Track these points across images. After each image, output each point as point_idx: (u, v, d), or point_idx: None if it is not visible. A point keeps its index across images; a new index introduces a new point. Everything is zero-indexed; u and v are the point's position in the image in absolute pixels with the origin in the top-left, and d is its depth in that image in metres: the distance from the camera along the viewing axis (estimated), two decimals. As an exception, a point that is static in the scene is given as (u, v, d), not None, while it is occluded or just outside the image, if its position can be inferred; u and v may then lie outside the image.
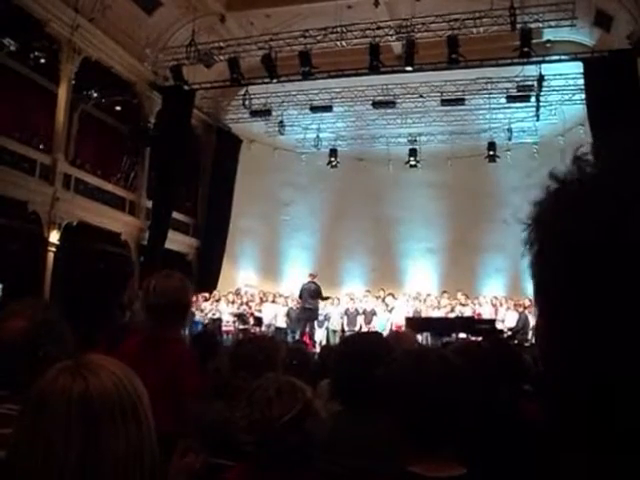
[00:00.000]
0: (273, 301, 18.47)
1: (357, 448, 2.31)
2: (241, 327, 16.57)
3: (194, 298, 17.61)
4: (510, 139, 21.24)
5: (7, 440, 1.73)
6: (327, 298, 16.85)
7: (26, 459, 1.17)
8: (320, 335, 17.66)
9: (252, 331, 15.64)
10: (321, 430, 2.08)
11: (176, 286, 3.23)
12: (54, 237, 15.48)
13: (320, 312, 17.35)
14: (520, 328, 15.76)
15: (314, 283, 16.31)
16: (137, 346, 3.17)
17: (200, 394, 3.05)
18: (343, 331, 17.24)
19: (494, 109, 20.51)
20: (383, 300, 18.09)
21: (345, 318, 17.90)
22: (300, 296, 16.57)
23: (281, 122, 21.72)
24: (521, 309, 16.40)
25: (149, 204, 18.98)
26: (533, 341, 14.95)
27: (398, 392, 1.82)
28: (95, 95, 19.10)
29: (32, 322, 2.07)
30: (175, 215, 19.66)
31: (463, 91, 19.18)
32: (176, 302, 3.20)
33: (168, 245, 18.82)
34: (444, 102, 19.42)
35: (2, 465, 1.26)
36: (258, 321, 17.22)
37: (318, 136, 22.80)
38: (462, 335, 13.47)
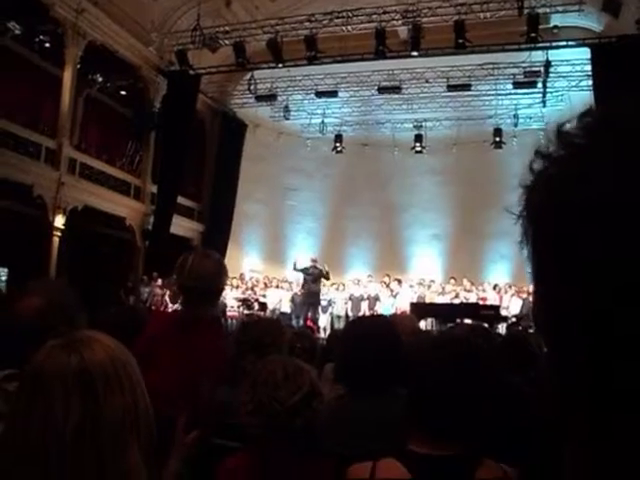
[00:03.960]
0: (277, 286, 18.50)
1: (361, 430, 2.33)
2: (246, 312, 16.62)
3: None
4: (516, 125, 21.17)
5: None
6: (328, 277, 16.75)
7: (23, 431, 1.21)
8: (324, 320, 17.71)
9: (257, 315, 15.68)
10: (325, 412, 2.08)
11: (212, 270, 3.13)
12: (59, 221, 15.51)
13: (324, 297, 17.40)
14: (524, 314, 15.76)
15: (316, 267, 16.36)
16: (167, 327, 3.11)
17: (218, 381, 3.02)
18: (347, 316, 17.29)
19: (500, 95, 20.41)
20: (388, 286, 18.12)
21: (349, 303, 17.95)
22: (305, 280, 16.62)
23: (286, 107, 21.65)
24: (525, 295, 16.40)
25: (154, 189, 19.00)
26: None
27: (416, 372, 1.84)
28: (100, 79, 19.06)
29: (47, 302, 2.09)
30: (180, 200, 19.68)
31: (469, 77, 19.05)
32: (210, 286, 3.12)
33: (173, 230, 18.84)
34: (450, 88, 19.31)
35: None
36: (263, 306, 17.27)
37: (323, 121, 22.73)
38: (467, 321, 13.48)
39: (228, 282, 17.93)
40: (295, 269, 16.82)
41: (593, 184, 0.48)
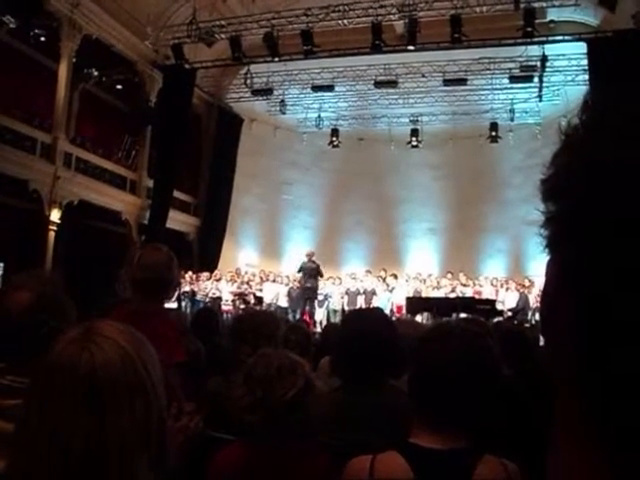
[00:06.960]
0: (274, 281, 18.48)
1: (357, 423, 2.33)
2: (242, 306, 16.60)
3: (192, 277, 17.66)
4: (512, 120, 21.19)
5: (8, 411, 1.75)
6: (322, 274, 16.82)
7: (33, 437, 1.17)
8: (320, 315, 17.71)
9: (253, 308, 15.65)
10: (321, 405, 2.08)
11: (161, 260, 3.15)
12: (55, 216, 15.49)
13: (320, 292, 17.38)
14: (520, 308, 15.81)
15: (313, 262, 16.35)
16: (121, 319, 3.13)
17: (181, 366, 3.01)
18: (344, 311, 17.29)
19: (497, 89, 20.42)
20: (384, 280, 18.12)
21: (346, 298, 17.94)
22: (303, 274, 16.59)
23: (282, 101, 21.64)
24: (521, 289, 16.43)
25: (150, 183, 18.95)
26: (533, 322, 15.02)
27: (419, 362, 1.84)
28: (96, 73, 19.01)
29: (37, 295, 2.05)
30: (176, 194, 19.65)
31: (465, 71, 19.05)
32: (160, 276, 3.13)
33: (169, 224, 18.81)
34: (446, 82, 19.32)
35: (8, 437, 1.27)
36: (259, 300, 17.25)
37: (319, 116, 22.74)
38: (463, 315, 13.49)
39: (223, 276, 18.01)
40: (299, 272, 16.74)
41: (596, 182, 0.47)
